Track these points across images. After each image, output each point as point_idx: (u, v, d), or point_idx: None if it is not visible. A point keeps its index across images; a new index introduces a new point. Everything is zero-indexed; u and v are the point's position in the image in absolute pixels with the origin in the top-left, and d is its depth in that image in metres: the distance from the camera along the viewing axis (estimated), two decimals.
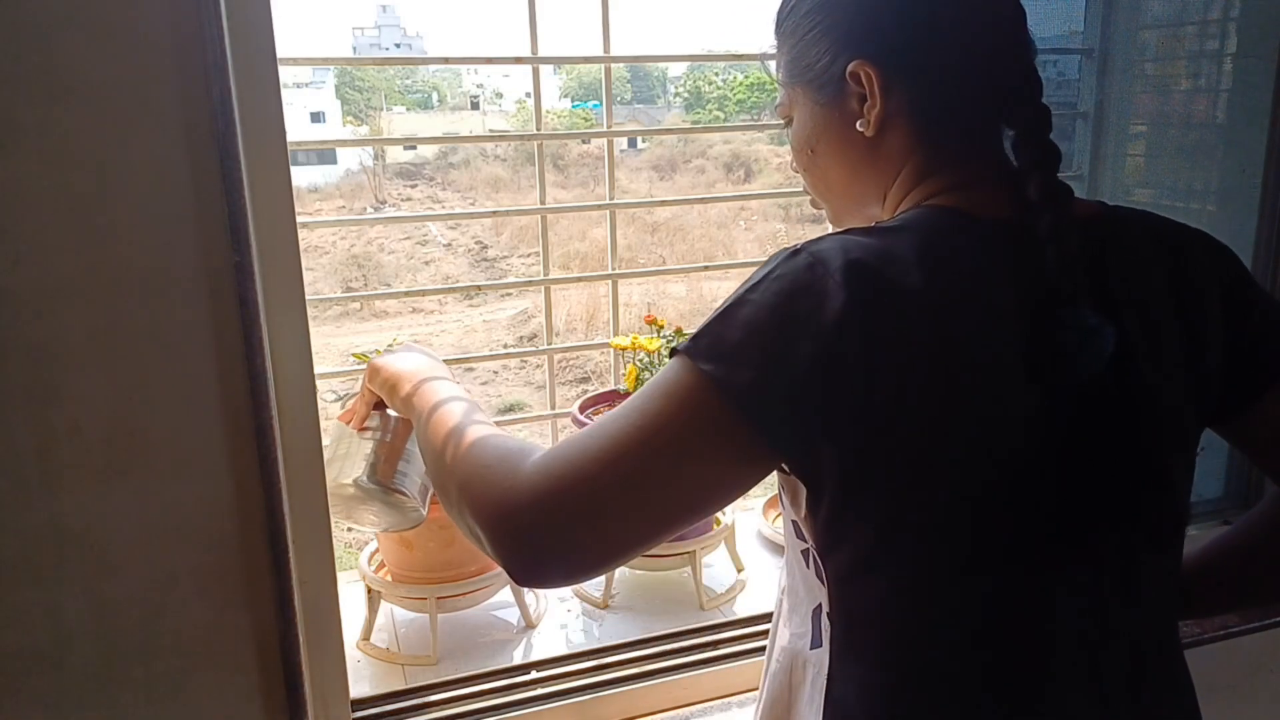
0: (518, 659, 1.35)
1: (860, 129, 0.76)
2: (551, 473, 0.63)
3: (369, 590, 1.38)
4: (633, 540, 0.65)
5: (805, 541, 0.75)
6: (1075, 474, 0.68)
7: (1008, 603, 0.69)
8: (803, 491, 0.70)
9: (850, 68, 0.74)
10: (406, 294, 2.17)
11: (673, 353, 0.65)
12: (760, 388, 0.62)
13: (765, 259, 0.68)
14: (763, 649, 1.42)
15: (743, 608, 1.47)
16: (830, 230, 0.71)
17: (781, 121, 0.84)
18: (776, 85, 0.85)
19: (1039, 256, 0.67)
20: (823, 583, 0.73)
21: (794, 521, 0.76)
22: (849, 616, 0.72)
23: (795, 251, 0.66)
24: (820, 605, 0.75)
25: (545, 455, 0.65)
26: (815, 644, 0.77)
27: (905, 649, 0.70)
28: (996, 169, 0.75)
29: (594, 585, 1.50)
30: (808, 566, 0.77)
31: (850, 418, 0.63)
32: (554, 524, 0.62)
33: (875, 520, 0.67)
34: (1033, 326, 0.65)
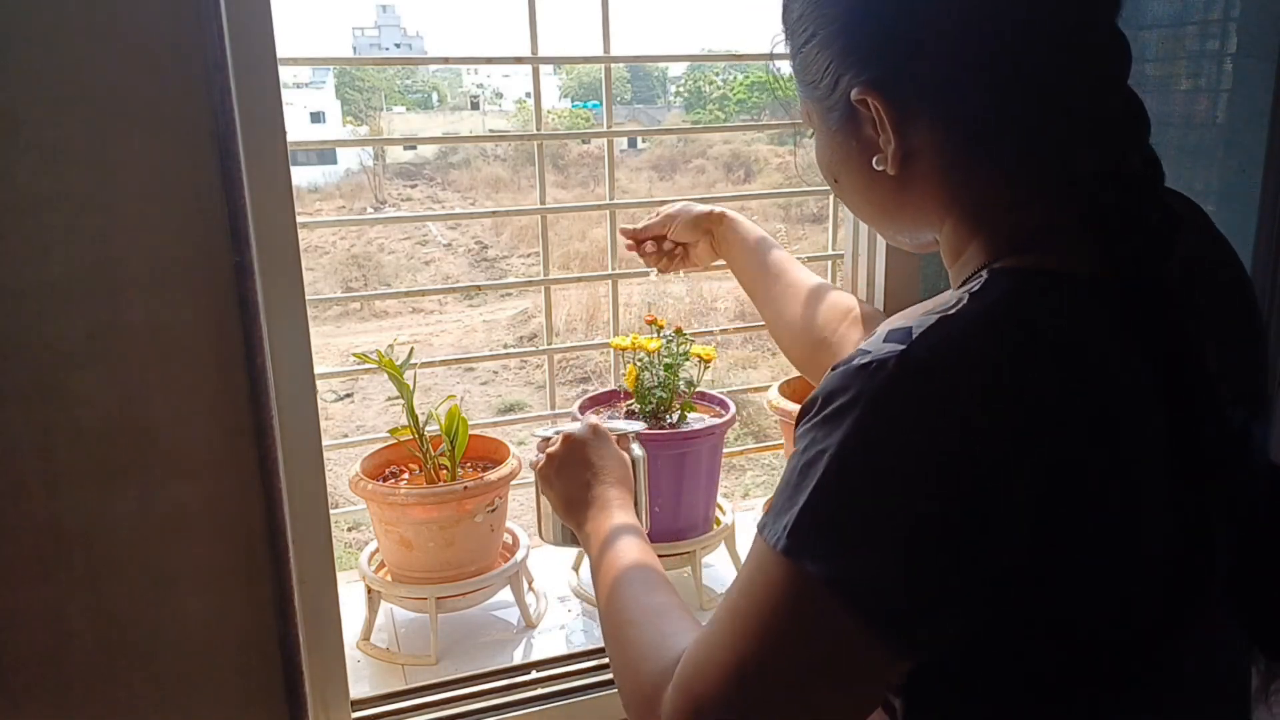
0: (518, 659, 1.35)
1: (878, 167, 0.62)
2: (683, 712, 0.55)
3: (369, 590, 1.38)
4: None
5: None
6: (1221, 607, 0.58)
7: None
8: None
9: (854, 94, 0.60)
10: (406, 294, 2.17)
11: (760, 532, 0.54)
12: (894, 588, 0.49)
13: (843, 377, 0.51)
14: None
15: None
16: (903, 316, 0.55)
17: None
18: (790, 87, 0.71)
19: (1157, 326, 0.54)
20: None
21: None
22: None
23: (886, 376, 0.49)
24: None
25: (674, 693, 0.57)
26: None
27: None
28: (1076, 210, 0.58)
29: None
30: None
31: (991, 581, 0.50)
32: None
33: (994, 680, 0.56)
34: (1175, 428, 0.53)
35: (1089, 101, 0.57)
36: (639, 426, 1.06)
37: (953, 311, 0.53)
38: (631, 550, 0.81)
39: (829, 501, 0.51)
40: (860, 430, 0.50)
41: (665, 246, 1.31)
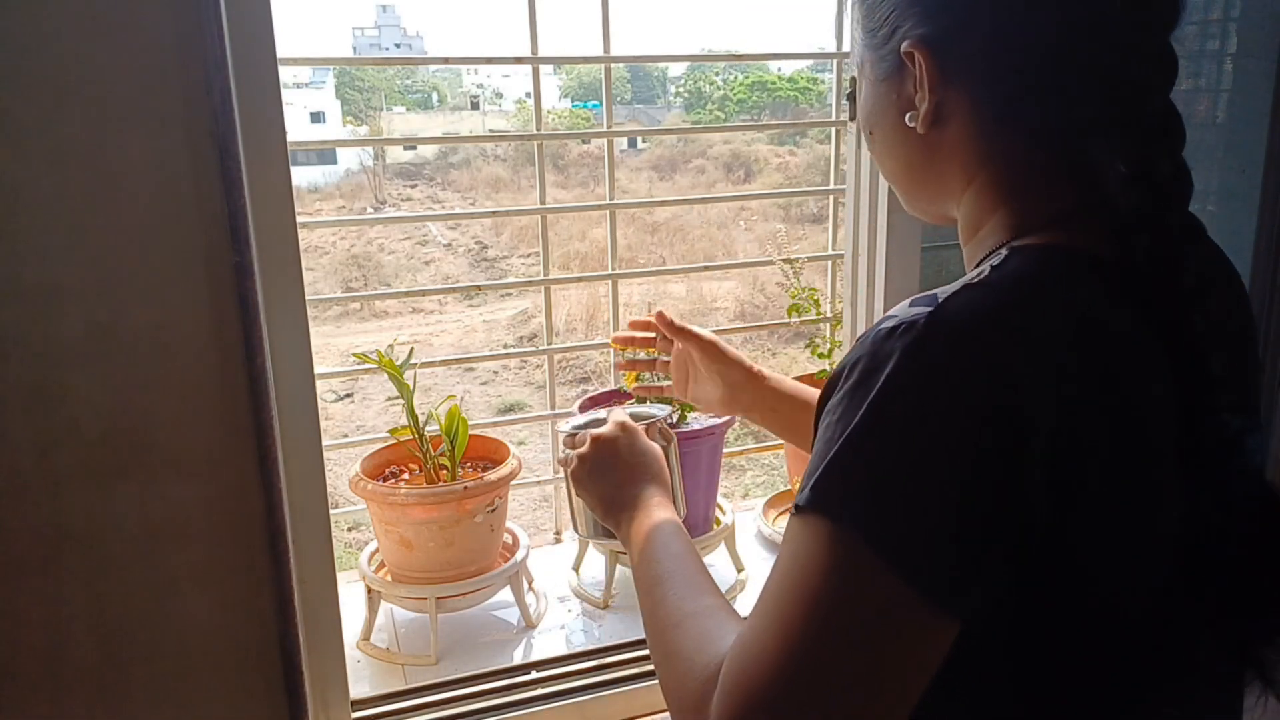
0: (518, 659, 1.35)
1: (910, 123, 0.63)
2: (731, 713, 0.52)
3: (369, 590, 1.38)
4: None
5: None
6: (1221, 603, 0.58)
7: None
8: None
9: (904, 46, 0.61)
10: (406, 294, 2.17)
11: (796, 509, 0.53)
12: (932, 550, 0.49)
13: (872, 343, 0.52)
14: None
15: (743, 608, 1.46)
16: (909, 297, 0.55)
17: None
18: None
19: (1175, 325, 0.55)
20: None
21: None
22: None
23: (915, 337, 0.50)
24: None
25: (722, 689, 0.54)
26: None
27: None
28: (1101, 199, 0.59)
29: (594, 585, 1.50)
30: None
31: (1012, 537, 0.51)
32: None
33: (1008, 647, 0.56)
34: (1187, 423, 0.55)
35: (1127, 104, 0.58)
36: (664, 411, 1.02)
37: (976, 281, 0.54)
38: (673, 551, 0.78)
39: (859, 453, 0.50)
40: (891, 386, 0.50)
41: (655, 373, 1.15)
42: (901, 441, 0.50)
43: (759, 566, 1.57)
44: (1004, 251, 0.58)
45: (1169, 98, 0.58)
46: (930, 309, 0.51)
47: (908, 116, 0.63)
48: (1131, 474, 0.54)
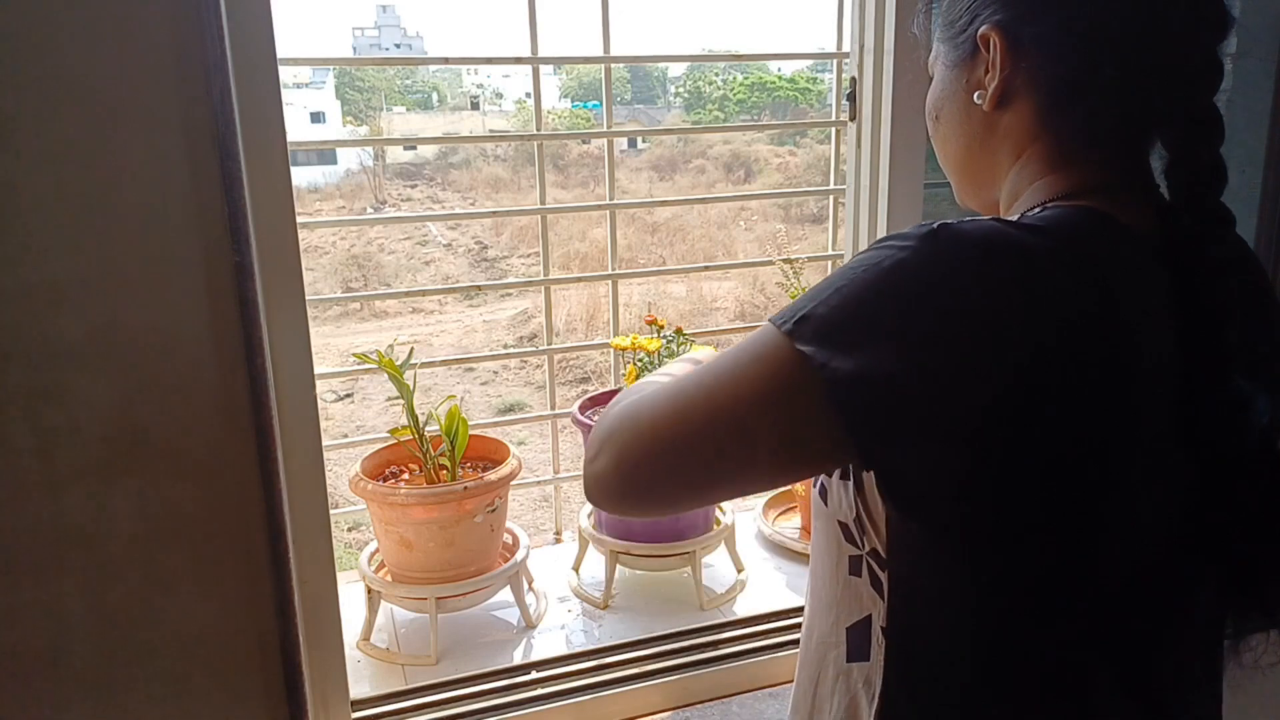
0: (518, 659, 1.35)
1: (978, 101, 0.69)
2: (621, 456, 0.59)
3: (369, 590, 1.38)
4: (682, 494, 0.60)
5: (859, 547, 0.67)
6: (1205, 550, 0.62)
7: (1109, 677, 0.62)
8: (877, 497, 0.62)
9: (981, 31, 0.67)
10: (406, 294, 2.17)
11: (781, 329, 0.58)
12: (861, 377, 0.54)
13: (899, 233, 0.59)
14: (763, 649, 1.43)
15: (742, 608, 1.47)
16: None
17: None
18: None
19: (1196, 294, 0.59)
20: (881, 597, 0.65)
21: (843, 523, 0.68)
22: (917, 644, 0.64)
23: (928, 229, 0.57)
24: (869, 619, 0.67)
25: (613, 414, 0.61)
26: (855, 658, 0.69)
27: (987, 697, 0.62)
28: (1141, 180, 0.65)
29: (594, 585, 1.50)
30: (855, 574, 0.68)
31: (969, 427, 0.55)
32: (623, 498, 0.59)
33: (980, 557, 0.59)
34: (1192, 386, 0.58)
35: (1178, 98, 0.63)
36: None
37: (1005, 218, 0.61)
38: (672, 365, 0.82)
39: (844, 307, 0.56)
40: (891, 262, 0.56)
41: None
42: (884, 307, 0.55)
43: (759, 566, 1.57)
44: (1038, 209, 0.63)
45: (1214, 101, 0.63)
46: (953, 221, 0.57)
47: (975, 95, 0.69)
48: (1100, 424, 0.57)
